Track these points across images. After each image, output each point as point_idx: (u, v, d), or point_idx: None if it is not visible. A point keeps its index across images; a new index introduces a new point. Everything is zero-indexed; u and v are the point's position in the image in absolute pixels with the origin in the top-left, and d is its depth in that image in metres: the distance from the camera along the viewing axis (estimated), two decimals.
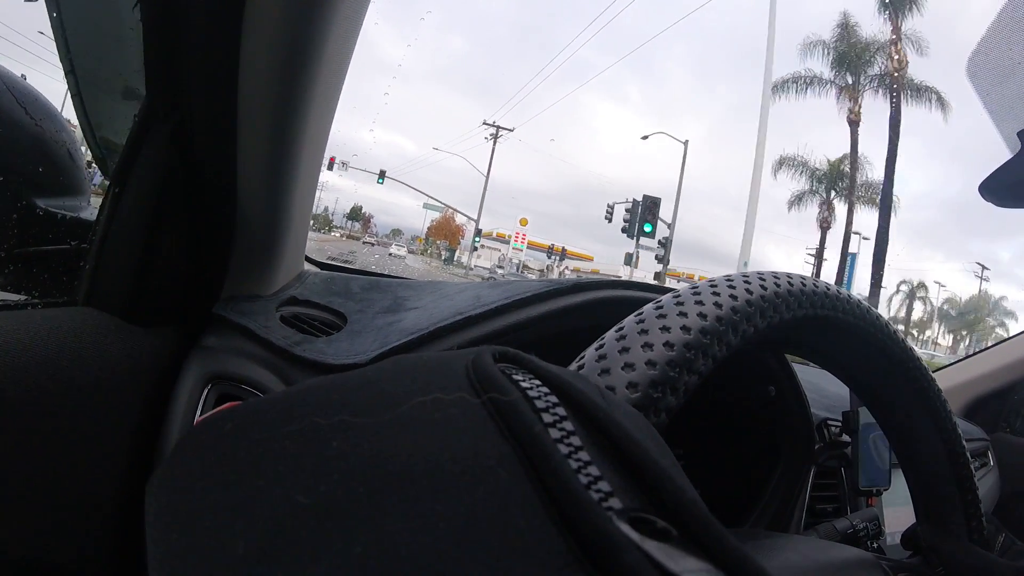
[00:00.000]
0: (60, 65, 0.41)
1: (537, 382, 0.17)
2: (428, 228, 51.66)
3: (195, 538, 0.13)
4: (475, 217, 22.67)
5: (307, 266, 0.67)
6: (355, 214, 58.67)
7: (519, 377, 0.17)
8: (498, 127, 24.82)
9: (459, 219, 48.33)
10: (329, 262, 0.81)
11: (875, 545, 0.63)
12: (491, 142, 24.47)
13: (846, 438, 0.72)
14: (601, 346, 0.27)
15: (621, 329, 0.27)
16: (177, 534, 0.14)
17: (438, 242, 48.42)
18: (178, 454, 0.17)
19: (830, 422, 0.74)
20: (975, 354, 1.44)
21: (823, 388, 0.84)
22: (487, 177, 22.55)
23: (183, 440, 0.17)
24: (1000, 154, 0.54)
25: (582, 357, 0.27)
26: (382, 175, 19.37)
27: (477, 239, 23.49)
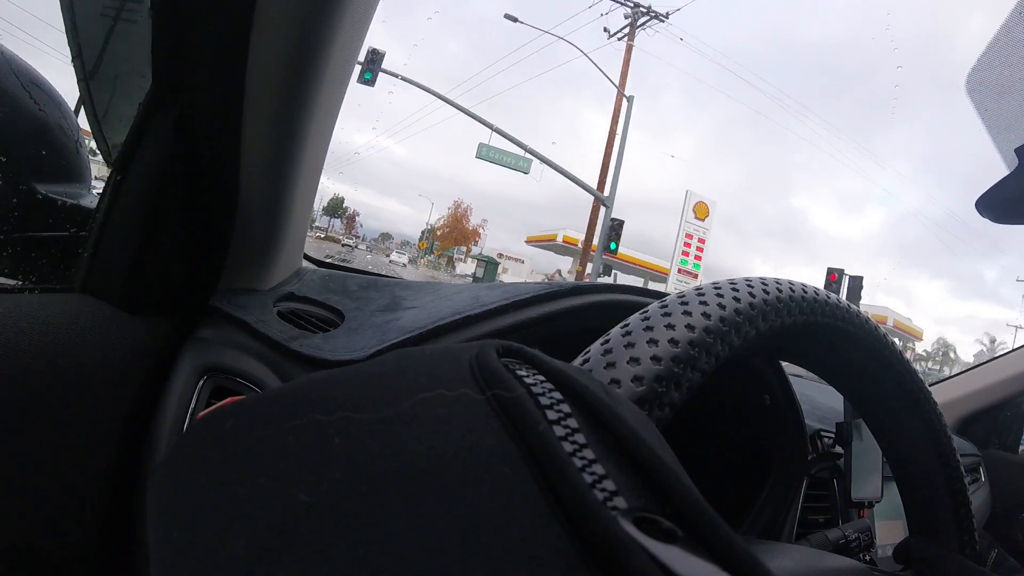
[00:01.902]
0: (68, 51, 0.41)
1: (541, 377, 0.16)
2: (430, 229, 39.24)
3: (196, 535, 0.13)
4: (596, 190, 10.37)
5: (305, 263, 0.67)
6: (335, 208, 46.62)
7: (523, 372, 0.16)
8: (638, 5, 12.21)
9: (474, 219, 38.36)
10: (327, 260, 0.81)
11: (866, 558, 0.63)
12: (617, 39, 11.99)
13: (839, 449, 0.72)
14: (607, 341, 0.27)
15: (627, 326, 0.28)
16: (178, 531, 0.14)
17: (451, 249, 37.07)
18: (180, 450, 0.17)
19: (823, 433, 0.74)
20: (968, 370, 1.44)
21: (817, 400, 0.85)
22: (624, 99, 10.60)
23: (184, 436, 0.17)
24: (996, 171, 0.54)
25: (587, 352, 0.27)
26: (371, 61, 8.55)
27: (613, 246, 10.20)
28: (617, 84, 11.03)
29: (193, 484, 0.15)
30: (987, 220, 0.60)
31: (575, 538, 0.11)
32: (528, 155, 10.37)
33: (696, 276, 11.92)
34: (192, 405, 0.42)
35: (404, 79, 9.20)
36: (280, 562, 0.12)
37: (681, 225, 11.95)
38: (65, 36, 0.41)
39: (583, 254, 12.38)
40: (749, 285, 0.31)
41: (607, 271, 12.00)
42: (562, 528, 0.12)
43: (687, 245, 12.05)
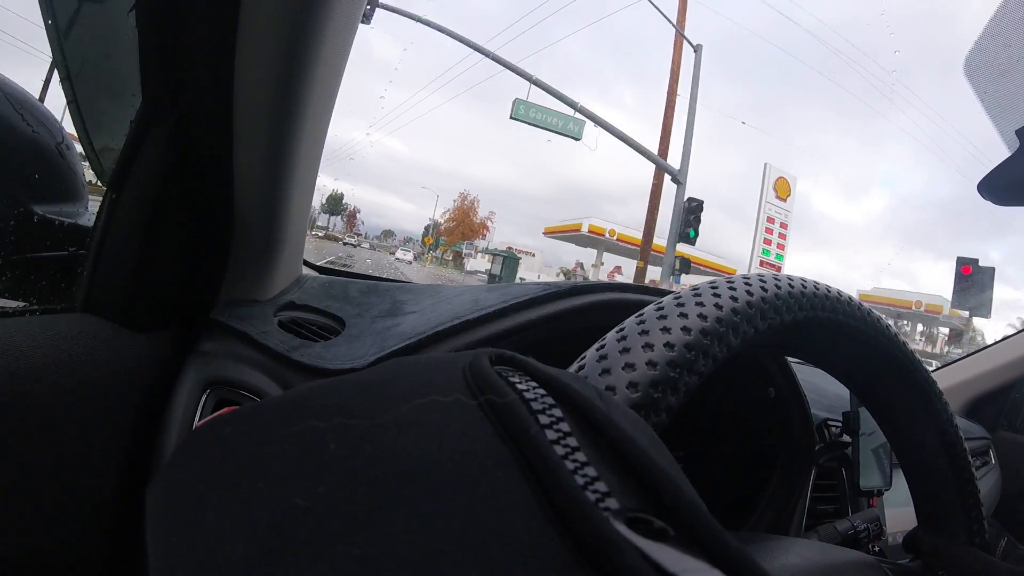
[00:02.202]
0: (56, 72, 0.41)
1: (534, 384, 0.17)
2: (434, 224, 36.82)
3: (194, 541, 0.13)
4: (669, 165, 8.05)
5: (305, 270, 0.67)
6: (334, 205, 44.73)
7: (515, 379, 0.17)
8: None
9: (481, 211, 35.67)
10: (328, 266, 0.81)
11: (876, 548, 0.63)
12: None
13: (847, 438, 0.72)
14: (602, 347, 0.27)
15: (622, 330, 0.27)
16: (177, 537, 0.14)
17: (458, 244, 34.32)
18: (178, 458, 0.17)
19: (830, 423, 0.74)
20: (975, 352, 1.43)
21: (823, 388, 0.84)
22: (691, 48, 8.68)
23: (183, 444, 0.18)
24: (997, 152, 0.54)
25: (583, 358, 0.27)
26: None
27: (693, 234, 7.62)
28: (676, 28, 8.72)
29: (191, 489, 0.15)
30: (990, 202, 0.59)
31: (568, 538, 0.12)
32: (579, 115, 7.69)
33: (780, 269, 8.16)
34: (196, 419, 0.42)
35: (426, 22, 7.30)
36: (278, 564, 0.12)
37: (761, 207, 9.00)
38: (52, 57, 0.41)
39: (643, 247, 9.39)
40: (747, 283, 0.30)
41: (684, 268, 8.78)
42: (555, 529, 0.12)
43: (768, 232, 9.22)
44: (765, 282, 0.31)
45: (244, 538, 0.12)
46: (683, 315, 0.27)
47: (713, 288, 0.30)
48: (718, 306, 0.28)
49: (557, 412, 0.15)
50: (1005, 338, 1.41)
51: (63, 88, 0.42)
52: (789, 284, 0.32)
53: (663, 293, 0.45)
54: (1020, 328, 1.37)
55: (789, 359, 0.61)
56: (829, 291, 0.34)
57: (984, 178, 0.56)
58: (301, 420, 0.15)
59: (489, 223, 36.81)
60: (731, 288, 0.30)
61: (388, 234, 54.01)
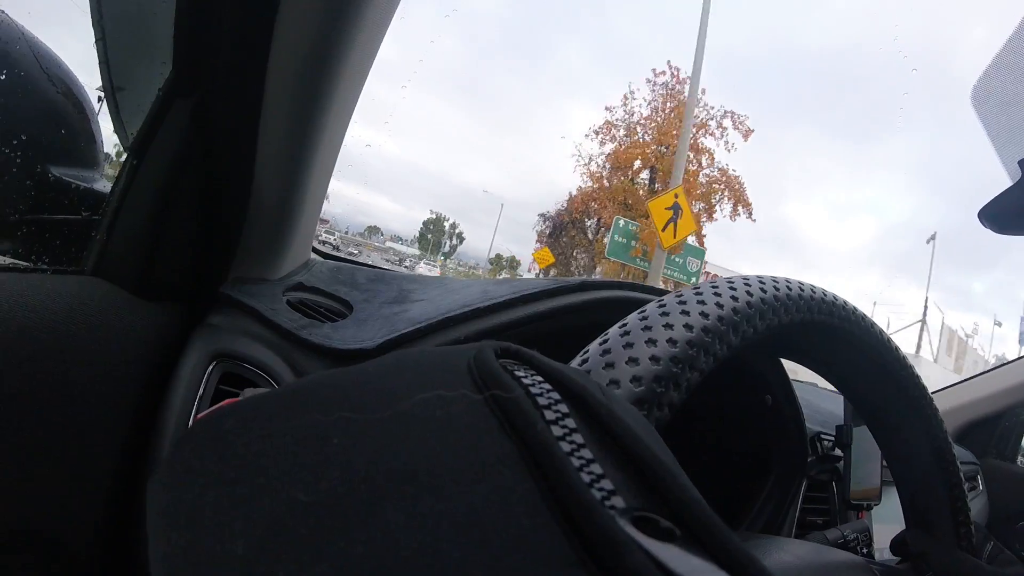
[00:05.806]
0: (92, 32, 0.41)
1: (539, 378, 0.17)
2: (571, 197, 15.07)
3: (195, 536, 0.13)
4: None
5: (313, 255, 0.68)
6: None
7: (521, 373, 0.17)
8: None
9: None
10: (335, 253, 0.81)
11: (865, 551, 0.63)
12: None
13: (838, 452, 0.73)
14: (605, 341, 0.27)
15: (625, 325, 0.28)
16: (177, 533, 0.13)
17: (677, 261, 8.00)
18: (179, 451, 0.16)
19: (823, 436, 0.75)
20: (968, 379, 1.45)
21: (817, 405, 0.85)
22: None
23: (184, 437, 0.17)
24: (997, 182, 0.55)
25: (586, 351, 0.27)
26: None
27: None
28: None
29: (192, 485, 0.15)
30: (990, 231, 0.60)
31: (573, 537, 0.12)
32: None
33: None
34: (200, 391, 0.42)
35: None
36: (279, 561, 0.12)
37: None
38: (90, 17, 0.41)
39: None
40: (747, 284, 0.31)
41: None
42: (560, 527, 0.12)
43: None
44: (764, 283, 0.31)
45: (245, 534, 0.12)
46: (685, 312, 0.27)
47: (714, 287, 0.30)
48: (719, 305, 0.29)
49: (563, 408, 0.15)
50: (997, 367, 1.42)
51: (96, 48, 0.43)
52: (787, 286, 0.32)
53: (667, 293, 0.45)
54: (1015, 357, 1.39)
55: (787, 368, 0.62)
56: (825, 295, 0.35)
57: (985, 206, 0.57)
58: (303, 414, 0.15)
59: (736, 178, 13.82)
60: (731, 288, 0.30)
61: (373, 230, 47.23)
